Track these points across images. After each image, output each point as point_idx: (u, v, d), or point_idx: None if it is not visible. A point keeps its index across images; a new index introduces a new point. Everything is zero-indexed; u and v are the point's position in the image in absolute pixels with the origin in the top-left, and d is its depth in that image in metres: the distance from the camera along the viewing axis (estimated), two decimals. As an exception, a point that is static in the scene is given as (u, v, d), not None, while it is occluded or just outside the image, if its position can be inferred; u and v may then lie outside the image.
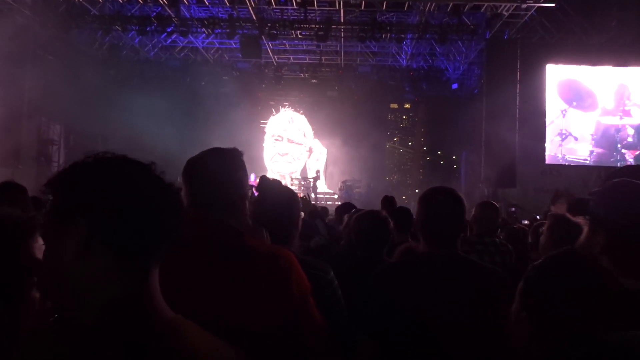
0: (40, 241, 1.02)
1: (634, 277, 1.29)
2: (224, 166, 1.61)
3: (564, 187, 5.12)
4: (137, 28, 14.38)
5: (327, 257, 2.78)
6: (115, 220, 0.89)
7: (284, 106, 20.14)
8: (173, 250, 1.00)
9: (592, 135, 15.51)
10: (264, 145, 20.22)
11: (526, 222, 9.11)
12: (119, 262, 0.90)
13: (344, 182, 18.52)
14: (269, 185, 1.99)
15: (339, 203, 13.82)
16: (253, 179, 10.64)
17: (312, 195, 17.18)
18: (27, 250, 1.01)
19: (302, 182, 18.76)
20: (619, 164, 14.67)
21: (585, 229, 1.43)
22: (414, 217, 2.73)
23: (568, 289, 1.37)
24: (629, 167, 1.85)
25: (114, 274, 0.90)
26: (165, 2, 13.49)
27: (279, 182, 2.01)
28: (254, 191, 1.80)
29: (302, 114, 20.11)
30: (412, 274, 1.97)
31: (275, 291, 1.48)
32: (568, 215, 2.60)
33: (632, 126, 15.50)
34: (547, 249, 2.81)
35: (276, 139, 20.27)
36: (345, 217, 4.17)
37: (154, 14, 14.23)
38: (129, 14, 14.40)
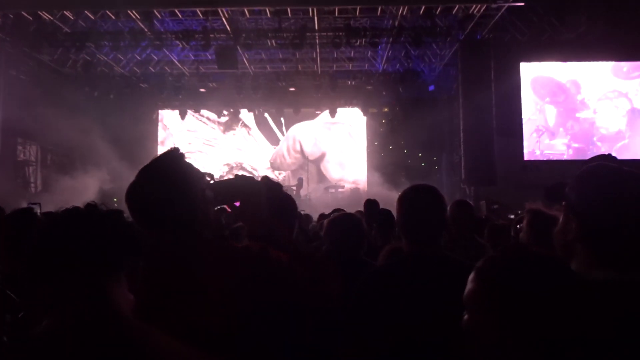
0: None
1: (605, 267, 1.24)
2: (160, 188, 1.52)
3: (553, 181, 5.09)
4: (110, 44, 14.24)
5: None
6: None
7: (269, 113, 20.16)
8: (147, 273, 1.30)
9: (567, 130, 15.78)
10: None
11: (512, 216, 9.22)
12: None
13: (326, 188, 18.53)
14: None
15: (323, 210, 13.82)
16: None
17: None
18: None
19: (286, 190, 18.72)
20: (595, 157, 14.88)
21: (561, 216, 1.39)
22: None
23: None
24: (594, 157, 1.84)
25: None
26: (138, 17, 13.39)
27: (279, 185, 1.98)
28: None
29: (281, 120, 20.16)
30: (398, 278, 1.96)
31: (260, 277, 1.48)
32: (544, 208, 2.60)
33: (606, 120, 15.79)
34: (528, 245, 2.83)
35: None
36: (325, 222, 4.16)
37: (128, 29, 14.11)
38: (102, 30, 14.27)
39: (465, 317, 1.20)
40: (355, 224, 2.94)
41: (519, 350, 1.05)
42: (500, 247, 1.31)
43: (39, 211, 4.76)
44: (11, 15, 13.20)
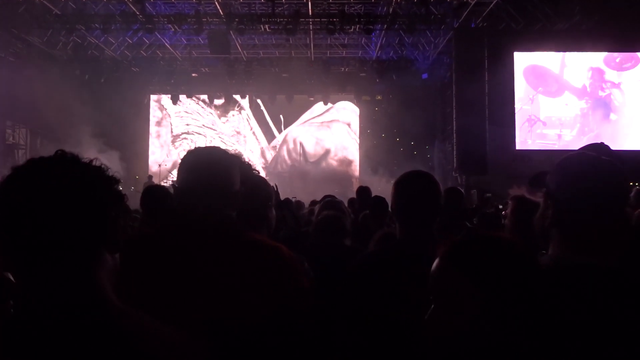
0: None
1: (578, 252, 1.26)
2: (225, 159, 1.67)
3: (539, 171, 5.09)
4: (101, 27, 14.03)
5: (302, 247, 2.80)
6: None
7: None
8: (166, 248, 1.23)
9: (559, 119, 15.83)
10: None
11: (501, 206, 9.28)
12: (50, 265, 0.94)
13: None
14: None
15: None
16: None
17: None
18: None
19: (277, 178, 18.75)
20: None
21: (541, 203, 1.42)
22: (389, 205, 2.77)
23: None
24: (586, 146, 1.86)
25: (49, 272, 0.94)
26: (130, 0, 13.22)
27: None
28: None
29: (281, 118, 20.11)
30: (391, 262, 1.96)
31: (275, 283, 1.50)
32: (528, 195, 2.62)
33: (598, 110, 15.85)
34: (513, 232, 2.85)
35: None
36: (316, 208, 4.17)
37: (119, 11, 13.92)
38: (93, 13, 14.06)
39: (432, 306, 1.20)
40: (337, 223, 3.17)
41: (486, 335, 1.06)
42: (462, 234, 1.32)
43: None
44: (0, -4, 12.99)
